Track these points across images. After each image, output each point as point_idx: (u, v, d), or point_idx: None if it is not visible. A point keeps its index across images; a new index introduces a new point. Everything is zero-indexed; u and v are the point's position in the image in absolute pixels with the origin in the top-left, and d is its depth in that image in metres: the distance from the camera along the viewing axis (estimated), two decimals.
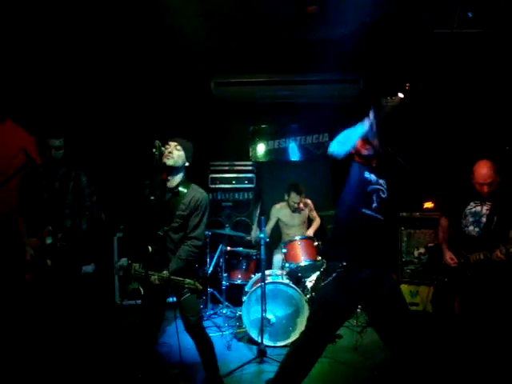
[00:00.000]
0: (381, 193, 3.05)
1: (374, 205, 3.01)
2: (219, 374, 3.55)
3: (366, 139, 3.00)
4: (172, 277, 3.14)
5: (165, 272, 3.16)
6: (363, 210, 3.00)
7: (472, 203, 3.93)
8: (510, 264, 3.65)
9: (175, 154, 3.23)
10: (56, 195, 3.72)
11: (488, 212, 3.83)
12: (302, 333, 3.18)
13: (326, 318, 3.03)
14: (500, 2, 3.76)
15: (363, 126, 2.87)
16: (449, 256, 3.95)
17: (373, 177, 3.07)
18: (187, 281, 3.16)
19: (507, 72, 4.87)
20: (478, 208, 3.89)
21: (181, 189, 3.29)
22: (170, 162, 3.20)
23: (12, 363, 3.79)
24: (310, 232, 5.58)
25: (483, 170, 3.77)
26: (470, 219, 3.91)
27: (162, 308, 3.45)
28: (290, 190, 5.54)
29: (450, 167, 5.37)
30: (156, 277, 3.14)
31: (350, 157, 3.01)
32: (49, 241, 3.66)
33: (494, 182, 3.76)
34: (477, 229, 3.87)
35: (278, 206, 5.75)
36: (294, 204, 5.52)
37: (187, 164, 3.35)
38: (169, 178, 3.29)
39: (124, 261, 3.32)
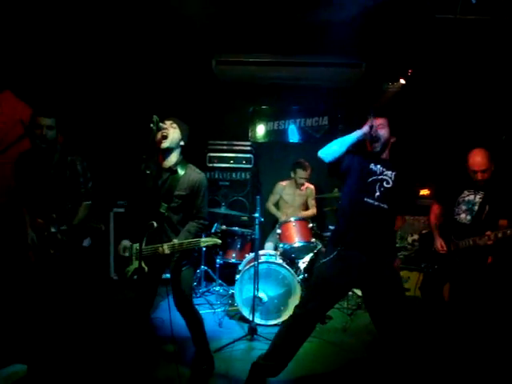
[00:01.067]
0: (385, 183, 3.13)
1: (377, 194, 3.11)
2: (209, 349, 3.60)
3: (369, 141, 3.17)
4: (186, 240, 3.18)
5: (175, 240, 3.19)
6: (365, 199, 3.11)
7: (466, 191, 3.95)
8: (498, 249, 3.73)
9: (170, 132, 3.22)
10: (53, 182, 3.67)
11: (481, 200, 3.86)
12: (296, 307, 3.27)
13: (321, 295, 3.14)
14: None
15: (353, 137, 3.13)
16: (439, 243, 4.00)
17: (378, 168, 3.16)
18: (203, 239, 3.22)
19: (509, 60, 4.84)
20: (472, 196, 3.92)
21: (178, 169, 3.30)
22: (165, 145, 3.20)
23: (12, 330, 3.86)
24: (309, 213, 5.64)
25: (478, 158, 3.80)
26: (463, 207, 3.94)
27: (157, 284, 3.47)
28: (295, 167, 5.58)
29: (446, 155, 5.40)
30: (166, 246, 3.15)
31: (342, 156, 3.16)
32: (53, 229, 3.66)
33: (487, 170, 3.78)
34: (468, 217, 3.91)
35: (283, 183, 5.77)
36: (301, 180, 5.56)
37: (182, 143, 3.34)
38: (165, 158, 3.28)
39: (127, 242, 3.33)
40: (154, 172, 3.25)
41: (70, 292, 3.81)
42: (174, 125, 3.27)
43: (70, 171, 3.72)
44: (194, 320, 3.47)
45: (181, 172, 3.30)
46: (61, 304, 3.78)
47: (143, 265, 3.17)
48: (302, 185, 5.63)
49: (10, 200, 4.31)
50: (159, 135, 3.18)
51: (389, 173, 3.15)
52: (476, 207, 3.87)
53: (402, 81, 5.81)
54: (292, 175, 5.64)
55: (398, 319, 3.08)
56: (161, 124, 3.10)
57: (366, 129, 3.11)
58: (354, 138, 3.14)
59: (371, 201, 3.10)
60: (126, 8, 4.51)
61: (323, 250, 5.34)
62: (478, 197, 3.89)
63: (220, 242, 3.35)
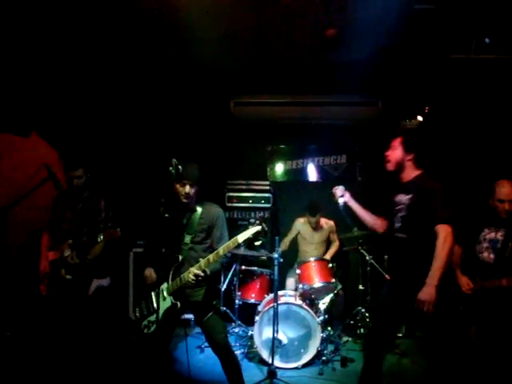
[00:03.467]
0: (402, 211, 3.19)
1: (398, 225, 3.20)
2: None
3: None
4: (220, 248, 3.19)
5: (202, 261, 3.21)
6: (395, 234, 3.24)
7: (486, 229, 3.84)
8: None
9: (191, 193, 3.32)
10: (78, 215, 3.99)
11: (503, 238, 3.74)
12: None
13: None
14: None
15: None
16: (465, 281, 3.83)
17: (398, 198, 3.25)
18: (241, 234, 3.18)
19: None
20: (493, 234, 3.80)
21: (197, 207, 3.41)
22: (186, 201, 3.33)
23: (22, 373, 3.87)
24: (328, 256, 5.54)
25: (505, 188, 3.72)
26: (485, 245, 3.82)
27: (176, 323, 3.49)
28: (306, 210, 5.56)
29: (462, 194, 5.31)
30: (194, 269, 3.19)
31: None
32: (67, 253, 3.88)
33: None
34: (491, 255, 3.76)
35: (301, 219, 5.74)
36: (312, 224, 5.55)
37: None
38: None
39: (148, 271, 3.43)
40: (175, 213, 3.36)
41: (82, 326, 3.89)
42: (193, 185, 3.32)
43: (94, 206, 4.03)
44: (231, 362, 3.44)
45: (199, 209, 3.42)
46: (71, 340, 3.84)
47: (173, 300, 3.28)
48: (315, 228, 5.61)
49: (32, 241, 4.42)
50: (182, 194, 3.29)
51: (404, 198, 3.19)
52: (498, 245, 3.74)
53: (420, 118, 5.82)
54: (307, 215, 5.63)
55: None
56: (180, 167, 3.16)
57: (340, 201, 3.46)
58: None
59: (396, 233, 3.22)
60: (149, 52, 4.68)
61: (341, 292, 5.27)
62: (499, 234, 3.76)
63: (260, 227, 3.20)
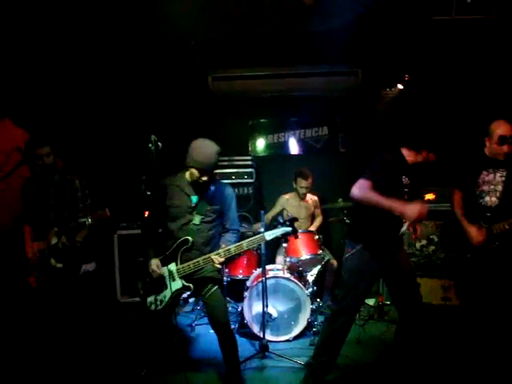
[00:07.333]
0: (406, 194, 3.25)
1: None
2: (240, 369, 3.54)
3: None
4: (246, 241, 3.25)
5: (221, 251, 3.24)
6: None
7: (484, 172, 3.70)
8: None
9: (208, 179, 3.32)
10: (54, 200, 3.85)
11: (503, 179, 3.62)
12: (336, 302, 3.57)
13: (357, 285, 3.32)
14: None
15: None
16: (475, 232, 3.63)
17: (405, 180, 3.27)
18: (270, 232, 3.26)
19: (508, 59, 4.80)
20: (491, 176, 3.67)
21: (211, 187, 3.44)
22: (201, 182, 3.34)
23: (15, 363, 3.82)
24: (313, 228, 5.55)
25: (505, 125, 3.58)
26: (485, 188, 3.68)
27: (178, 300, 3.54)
28: (296, 176, 5.51)
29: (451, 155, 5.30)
30: (217, 257, 3.21)
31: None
32: (54, 241, 3.77)
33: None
34: (494, 198, 3.65)
35: (286, 196, 5.69)
36: (302, 190, 5.49)
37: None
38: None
39: (154, 262, 3.36)
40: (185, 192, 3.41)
41: (72, 314, 3.85)
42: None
43: (69, 187, 3.89)
44: (229, 340, 3.44)
45: (212, 188, 3.42)
46: (63, 327, 3.80)
47: (185, 283, 3.30)
48: (304, 195, 5.56)
49: (13, 225, 4.32)
50: (199, 180, 3.29)
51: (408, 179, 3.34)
52: (499, 187, 3.63)
53: (400, 86, 5.79)
54: (294, 185, 5.58)
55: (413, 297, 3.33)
56: (159, 143, 3.08)
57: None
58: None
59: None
60: (123, 27, 4.53)
61: (333, 261, 5.28)
62: (498, 175, 3.64)
63: (291, 229, 3.30)
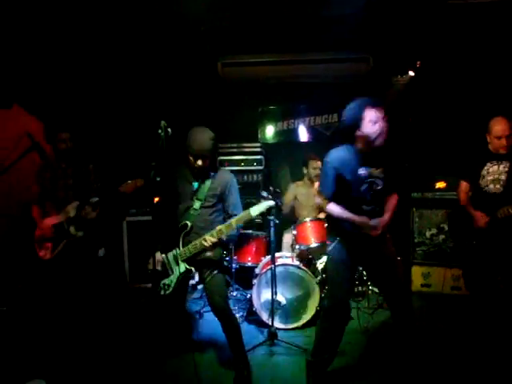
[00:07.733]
0: (374, 185, 3.14)
1: (368, 199, 3.17)
2: (246, 355, 3.55)
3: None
4: (233, 219, 3.26)
5: (214, 231, 3.26)
6: (363, 207, 3.18)
7: (488, 163, 3.93)
8: None
9: (205, 165, 3.36)
10: (73, 179, 4.06)
11: (507, 169, 3.83)
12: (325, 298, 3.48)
13: (341, 275, 3.30)
14: None
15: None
16: (479, 215, 3.87)
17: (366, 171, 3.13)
18: (254, 208, 3.24)
19: None
20: (495, 167, 3.89)
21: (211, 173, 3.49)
22: (199, 169, 3.38)
23: (24, 341, 3.91)
24: (322, 215, 5.51)
25: (501, 124, 3.80)
26: (489, 178, 3.90)
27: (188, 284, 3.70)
28: (307, 159, 5.48)
29: (461, 143, 5.23)
30: (209, 237, 3.24)
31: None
32: (73, 213, 3.92)
33: (511, 136, 3.78)
34: (497, 186, 3.86)
35: (297, 183, 5.67)
36: (314, 172, 5.41)
37: None
38: None
39: (158, 255, 3.42)
40: (188, 179, 3.47)
41: (84, 296, 3.99)
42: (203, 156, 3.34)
43: (84, 169, 4.13)
44: (231, 325, 3.46)
45: (212, 173, 3.47)
46: (77, 311, 3.94)
47: (187, 266, 3.36)
48: (317, 177, 5.47)
49: (22, 212, 4.35)
50: (195, 166, 3.34)
51: (377, 172, 3.21)
52: (503, 176, 3.83)
53: (411, 73, 5.70)
54: (304, 171, 5.53)
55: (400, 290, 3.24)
56: (169, 129, 3.07)
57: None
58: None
59: (366, 208, 3.23)
60: (132, 13, 4.49)
61: None
62: (501, 166, 3.86)
63: (273, 202, 3.34)
